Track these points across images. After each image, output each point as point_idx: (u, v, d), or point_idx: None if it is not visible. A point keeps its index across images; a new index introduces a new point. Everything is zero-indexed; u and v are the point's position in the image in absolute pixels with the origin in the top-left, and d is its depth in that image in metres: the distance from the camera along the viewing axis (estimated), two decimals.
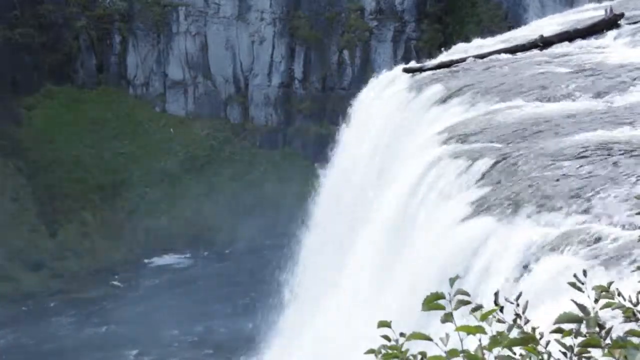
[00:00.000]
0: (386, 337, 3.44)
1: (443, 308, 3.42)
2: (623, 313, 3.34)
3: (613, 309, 3.35)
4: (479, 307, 3.35)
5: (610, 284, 3.48)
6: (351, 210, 20.69)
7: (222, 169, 66.95)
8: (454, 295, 3.40)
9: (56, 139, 64.90)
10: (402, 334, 3.42)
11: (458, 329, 3.30)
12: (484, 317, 3.32)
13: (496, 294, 3.48)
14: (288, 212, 40.93)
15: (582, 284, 3.53)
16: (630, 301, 3.41)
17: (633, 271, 3.86)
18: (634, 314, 3.34)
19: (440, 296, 3.42)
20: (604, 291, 3.41)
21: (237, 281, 55.46)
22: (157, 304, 54.07)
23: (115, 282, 58.16)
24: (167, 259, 61.46)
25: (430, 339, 3.35)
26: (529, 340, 3.22)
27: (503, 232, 10.83)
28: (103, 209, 62.99)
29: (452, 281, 3.50)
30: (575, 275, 3.57)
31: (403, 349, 3.36)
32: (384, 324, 3.48)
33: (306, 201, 25.33)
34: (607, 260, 8.50)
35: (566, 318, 3.26)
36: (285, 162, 67.56)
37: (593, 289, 3.42)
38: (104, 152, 65.40)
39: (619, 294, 3.42)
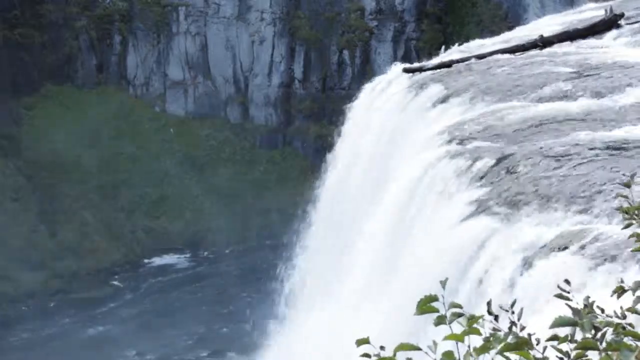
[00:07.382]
0: (366, 355, 3.32)
1: (437, 311, 3.33)
2: (613, 330, 3.27)
3: (603, 328, 3.28)
4: (472, 318, 3.28)
5: (592, 302, 3.40)
6: (351, 211, 20.67)
7: (222, 169, 66.91)
8: (448, 309, 3.31)
9: (56, 139, 64.83)
10: (382, 347, 3.33)
11: (447, 337, 3.20)
12: (471, 324, 3.22)
13: (489, 304, 3.41)
14: (288, 212, 40.91)
15: (568, 292, 3.47)
16: (618, 316, 3.36)
17: (614, 292, 3.76)
18: (624, 328, 3.28)
19: (434, 299, 3.36)
20: (587, 312, 3.32)
21: (237, 281, 55.48)
22: (157, 304, 54.08)
23: (115, 282, 58.13)
24: (167, 259, 61.44)
25: (419, 349, 3.25)
26: (522, 344, 3.14)
27: (503, 232, 10.82)
28: (103, 209, 62.95)
29: (443, 283, 3.44)
30: (559, 286, 3.51)
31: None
32: (363, 341, 3.35)
33: (306, 201, 25.30)
34: (606, 261, 8.49)
35: (561, 322, 3.21)
36: (285, 162, 67.55)
37: (573, 313, 3.33)
38: (104, 152, 65.34)
39: (602, 311, 3.35)
